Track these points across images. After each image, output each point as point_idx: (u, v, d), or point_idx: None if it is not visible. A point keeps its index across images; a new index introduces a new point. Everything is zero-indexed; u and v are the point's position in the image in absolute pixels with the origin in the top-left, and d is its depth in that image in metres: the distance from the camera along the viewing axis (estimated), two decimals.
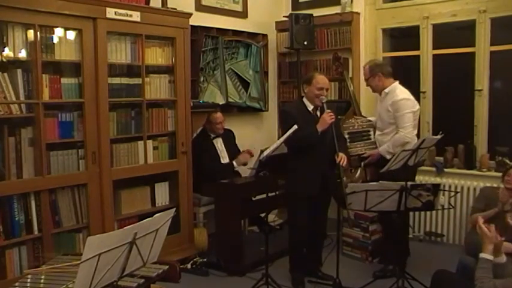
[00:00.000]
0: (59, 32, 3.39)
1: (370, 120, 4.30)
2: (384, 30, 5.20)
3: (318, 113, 3.68)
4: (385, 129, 3.98)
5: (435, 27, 4.84)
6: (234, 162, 4.56)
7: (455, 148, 4.74)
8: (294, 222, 3.81)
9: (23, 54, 3.24)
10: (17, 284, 2.23)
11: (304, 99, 3.73)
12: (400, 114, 3.86)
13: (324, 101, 3.64)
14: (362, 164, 4.15)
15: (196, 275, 3.99)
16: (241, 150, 4.77)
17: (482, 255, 2.47)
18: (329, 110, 3.56)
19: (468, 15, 4.63)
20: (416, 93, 4.95)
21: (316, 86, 3.62)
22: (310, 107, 3.68)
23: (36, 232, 3.31)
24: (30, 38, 3.23)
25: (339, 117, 4.87)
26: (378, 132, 4.09)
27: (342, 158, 3.52)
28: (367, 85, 4.14)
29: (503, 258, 2.46)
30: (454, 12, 4.70)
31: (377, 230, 4.32)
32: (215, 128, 4.52)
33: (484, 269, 2.40)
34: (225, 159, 4.58)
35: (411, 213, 4.68)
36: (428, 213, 4.72)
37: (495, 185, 4.24)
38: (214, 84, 4.98)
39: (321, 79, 3.64)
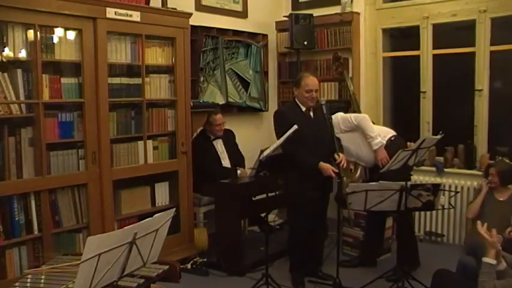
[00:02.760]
0: (59, 32, 3.39)
1: None
2: (384, 30, 5.20)
3: (312, 114, 3.68)
4: (352, 152, 3.99)
5: (435, 27, 4.84)
6: (239, 171, 4.56)
7: (455, 148, 4.75)
8: (293, 222, 3.81)
9: (23, 54, 3.24)
10: (17, 284, 2.23)
11: (297, 100, 3.72)
12: (340, 120, 3.97)
13: (323, 103, 3.65)
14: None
15: (196, 275, 3.99)
16: (240, 149, 4.78)
17: (485, 259, 2.46)
18: (339, 160, 3.55)
19: (468, 15, 4.63)
20: (416, 93, 4.96)
21: (304, 89, 3.60)
22: (304, 108, 3.68)
23: (36, 232, 3.31)
24: (30, 38, 3.23)
25: None
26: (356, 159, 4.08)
27: (342, 159, 3.53)
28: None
29: (502, 265, 2.45)
30: (454, 12, 4.70)
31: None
32: (214, 129, 4.49)
33: (487, 273, 2.40)
34: (225, 160, 4.57)
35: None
36: (428, 213, 4.72)
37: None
38: (214, 84, 4.98)
39: (310, 81, 3.61)
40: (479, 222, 2.73)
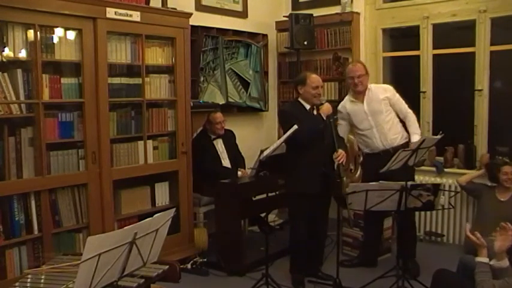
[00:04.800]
0: (59, 32, 3.38)
1: None
2: (384, 30, 5.20)
3: (315, 112, 3.68)
4: (385, 119, 3.93)
5: (435, 27, 4.84)
6: (239, 172, 4.55)
7: (455, 148, 4.75)
8: (294, 222, 3.80)
9: (23, 54, 3.24)
10: (17, 284, 2.23)
11: (301, 100, 3.72)
12: (398, 96, 3.97)
13: (324, 102, 3.65)
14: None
15: (196, 275, 3.99)
16: (240, 149, 4.78)
17: (477, 259, 2.48)
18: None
19: (468, 15, 4.63)
20: (416, 93, 4.96)
21: (311, 86, 3.63)
22: (308, 107, 3.69)
23: (36, 232, 3.31)
24: (30, 38, 3.23)
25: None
26: (376, 130, 3.93)
27: (340, 155, 3.53)
28: (358, 82, 3.89)
29: (505, 263, 2.45)
30: (454, 12, 4.70)
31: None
32: (215, 128, 4.50)
33: (482, 272, 2.41)
34: (225, 160, 4.57)
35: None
36: (428, 213, 4.72)
37: (488, 184, 4.29)
38: (214, 84, 4.98)
39: (314, 78, 3.66)
40: (467, 224, 2.74)
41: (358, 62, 4.05)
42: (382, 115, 3.92)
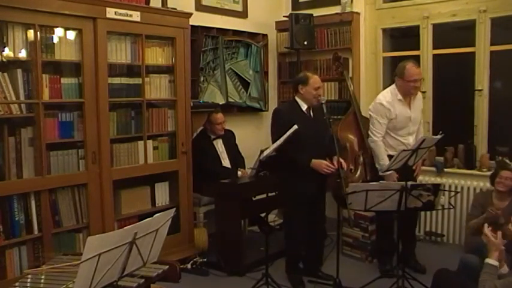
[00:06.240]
0: (59, 32, 3.39)
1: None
2: (384, 30, 5.20)
3: (312, 113, 3.68)
4: (418, 129, 3.90)
5: (435, 27, 4.84)
6: (239, 172, 4.55)
7: (455, 148, 4.75)
8: (291, 222, 3.80)
9: (23, 54, 3.24)
10: (17, 284, 2.23)
11: (298, 100, 3.70)
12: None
13: (323, 101, 3.64)
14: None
15: (196, 275, 3.99)
16: (240, 149, 4.79)
17: (487, 260, 2.46)
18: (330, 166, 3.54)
19: (468, 15, 4.63)
20: None
21: (313, 86, 3.62)
22: (304, 107, 3.68)
23: (36, 232, 3.31)
24: (30, 38, 3.23)
25: (338, 117, 4.89)
26: (411, 137, 3.90)
27: (342, 162, 3.54)
28: (417, 86, 3.82)
29: (505, 269, 2.45)
30: (454, 12, 4.70)
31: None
32: (215, 128, 4.50)
33: (488, 274, 2.41)
34: (225, 160, 4.57)
35: None
36: (428, 213, 4.72)
37: (488, 185, 4.24)
38: (214, 84, 4.98)
39: (316, 78, 3.67)
40: (485, 224, 2.71)
41: (416, 65, 3.78)
42: (418, 125, 3.90)
